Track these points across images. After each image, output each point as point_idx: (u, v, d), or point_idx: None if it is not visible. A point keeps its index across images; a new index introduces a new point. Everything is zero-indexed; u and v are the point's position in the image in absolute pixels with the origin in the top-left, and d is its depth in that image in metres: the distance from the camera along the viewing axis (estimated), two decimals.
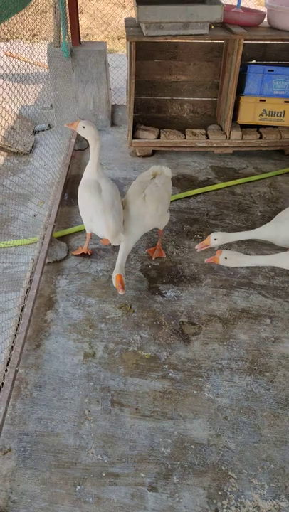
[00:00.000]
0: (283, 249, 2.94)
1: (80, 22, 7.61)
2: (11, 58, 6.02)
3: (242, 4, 3.99)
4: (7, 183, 3.64)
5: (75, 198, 2.93)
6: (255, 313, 2.75)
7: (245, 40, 3.70)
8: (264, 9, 3.96)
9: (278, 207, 3.66)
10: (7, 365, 2.18)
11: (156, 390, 2.31)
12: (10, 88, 3.21)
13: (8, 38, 6.81)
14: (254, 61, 4.33)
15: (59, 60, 4.24)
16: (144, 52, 4.22)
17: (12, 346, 2.25)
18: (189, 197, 3.77)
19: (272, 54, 4.31)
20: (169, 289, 2.90)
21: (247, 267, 3.04)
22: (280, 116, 4.17)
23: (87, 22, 7.74)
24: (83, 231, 3.33)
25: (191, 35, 3.58)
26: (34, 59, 5.44)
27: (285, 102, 4.11)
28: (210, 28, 3.68)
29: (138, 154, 4.28)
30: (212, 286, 2.92)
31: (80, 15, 8.30)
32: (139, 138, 4.16)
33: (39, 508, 1.84)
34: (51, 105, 4.74)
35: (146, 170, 3.10)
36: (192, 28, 3.54)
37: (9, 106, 4.75)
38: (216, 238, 2.71)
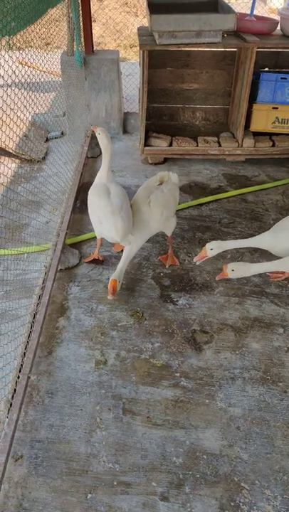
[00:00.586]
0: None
1: (93, 31, 7.68)
2: (26, 67, 6.09)
3: (255, 12, 4.00)
4: (20, 190, 3.67)
5: (87, 204, 2.97)
6: (268, 322, 2.73)
7: (258, 48, 3.71)
8: (277, 17, 3.96)
9: None
10: (19, 371, 2.19)
11: (168, 398, 2.30)
12: (24, 96, 3.26)
13: (23, 46, 6.89)
14: (267, 69, 4.33)
15: (72, 68, 4.28)
16: (157, 60, 4.24)
17: (24, 353, 2.26)
18: (201, 204, 3.77)
19: (285, 62, 4.31)
20: (181, 297, 2.89)
21: (260, 275, 3.02)
22: None
23: (100, 31, 7.80)
24: (95, 238, 3.33)
25: (203, 43, 3.59)
26: (47, 67, 5.51)
27: None
28: (223, 36, 3.69)
29: (150, 162, 4.29)
30: (224, 294, 2.91)
31: (92, 24, 8.41)
32: (151, 145, 4.18)
33: None
34: (64, 113, 4.79)
35: None
36: (205, 37, 3.55)
37: (24, 114, 4.80)
38: (212, 248, 2.72)
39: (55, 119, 4.86)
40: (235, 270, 2.60)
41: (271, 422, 2.20)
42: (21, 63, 6.51)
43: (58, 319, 2.72)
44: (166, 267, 3.12)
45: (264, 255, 3.19)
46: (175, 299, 2.87)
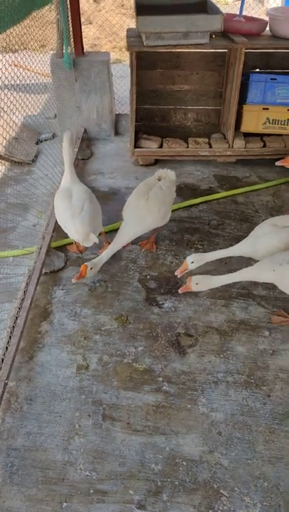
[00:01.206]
0: None
1: (89, 32, 7.65)
2: (21, 69, 6.09)
3: (251, 13, 3.96)
4: (7, 193, 3.65)
5: None
6: (254, 325, 2.69)
7: (246, 49, 3.67)
8: (266, 18, 3.92)
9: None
10: None
11: (149, 403, 2.26)
12: (15, 98, 3.25)
13: (17, 48, 6.87)
14: (258, 70, 4.29)
15: (61, 70, 4.26)
16: (147, 61, 4.21)
17: (2, 359, 2.22)
18: (191, 206, 3.73)
19: (276, 62, 4.27)
20: (167, 300, 2.85)
21: None
22: (284, 124, 4.11)
23: (96, 32, 7.78)
24: None
25: (191, 44, 3.56)
26: (41, 69, 5.49)
27: None
28: (211, 37, 3.66)
29: (141, 163, 4.26)
30: (211, 296, 2.87)
31: (89, 25, 8.40)
32: (141, 147, 4.15)
33: None
34: (55, 115, 4.77)
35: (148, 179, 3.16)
36: (192, 38, 3.52)
37: (15, 116, 4.79)
38: (193, 261, 2.67)
39: (46, 121, 4.83)
40: (199, 283, 2.54)
41: (253, 426, 2.17)
42: (16, 65, 6.51)
43: (41, 323, 2.69)
44: (142, 250, 3.20)
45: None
46: (161, 302, 2.84)
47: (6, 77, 3.08)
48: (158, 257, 3.19)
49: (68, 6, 4.06)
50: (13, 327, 2.42)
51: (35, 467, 1.99)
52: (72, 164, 3.05)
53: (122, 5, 9.29)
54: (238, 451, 2.07)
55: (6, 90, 3.07)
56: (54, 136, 4.80)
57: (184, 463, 2.03)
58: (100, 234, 3.03)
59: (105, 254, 2.84)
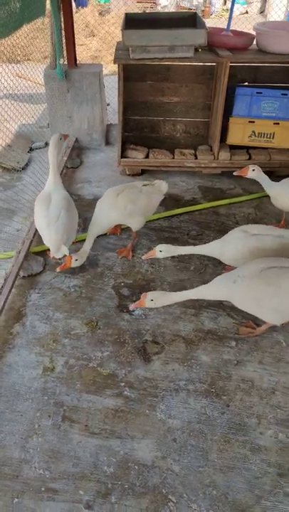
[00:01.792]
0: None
1: (90, 45, 7.78)
2: (22, 79, 6.24)
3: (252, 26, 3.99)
4: None
5: None
6: (221, 335, 2.73)
7: (231, 62, 3.75)
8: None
9: None
10: None
11: (109, 407, 2.31)
12: (14, 107, 3.36)
13: (19, 59, 7.06)
14: (246, 83, 4.37)
15: (54, 81, 4.37)
16: (137, 73, 4.31)
17: None
18: (172, 216, 3.80)
19: (264, 76, 4.35)
20: (138, 307, 2.90)
21: None
22: (270, 137, 4.18)
23: (97, 45, 7.93)
24: None
25: (176, 58, 3.65)
26: (41, 80, 5.63)
27: (275, 123, 4.12)
28: (197, 50, 3.75)
29: (128, 173, 4.34)
30: (181, 305, 2.92)
31: (92, 38, 8.56)
32: (127, 157, 4.23)
33: None
34: (48, 124, 4.87)
35: None
36: (178, 52, 3.61)
37: (10, 124, 4.90)
38: (162, 250, 2.80)
39: (39, 130, 4.95)
40: (155, 300, 2.49)
41: (208, 435, 2.20)
42: (19, 76, 6.66)
43: (14, 325, 2.76)
44: (119, 258, 3.29)
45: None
46: (132, 309, 2.89)
47: (5, 87, 3.21)
48: (134, 264, 3.25)
49: (62, 19, 4.17)
50: None
51: None
52: (56, 166, 3.12)
53: None
54: (190, 459, 2.11)
55: (5, 99, 3.18)
56: (46, 144, 4.90)
57: (136, 467, 2.07)
58: (73, 243, 3.13)
59: (85, 246, 3.01)
